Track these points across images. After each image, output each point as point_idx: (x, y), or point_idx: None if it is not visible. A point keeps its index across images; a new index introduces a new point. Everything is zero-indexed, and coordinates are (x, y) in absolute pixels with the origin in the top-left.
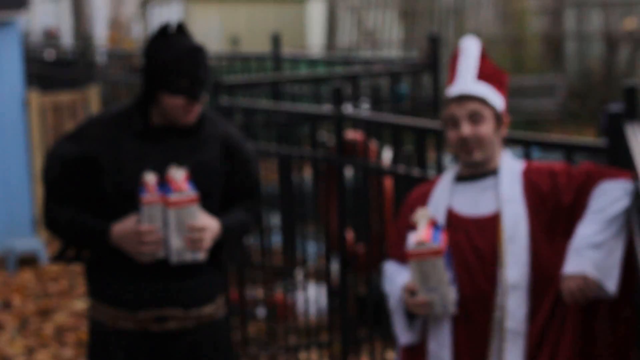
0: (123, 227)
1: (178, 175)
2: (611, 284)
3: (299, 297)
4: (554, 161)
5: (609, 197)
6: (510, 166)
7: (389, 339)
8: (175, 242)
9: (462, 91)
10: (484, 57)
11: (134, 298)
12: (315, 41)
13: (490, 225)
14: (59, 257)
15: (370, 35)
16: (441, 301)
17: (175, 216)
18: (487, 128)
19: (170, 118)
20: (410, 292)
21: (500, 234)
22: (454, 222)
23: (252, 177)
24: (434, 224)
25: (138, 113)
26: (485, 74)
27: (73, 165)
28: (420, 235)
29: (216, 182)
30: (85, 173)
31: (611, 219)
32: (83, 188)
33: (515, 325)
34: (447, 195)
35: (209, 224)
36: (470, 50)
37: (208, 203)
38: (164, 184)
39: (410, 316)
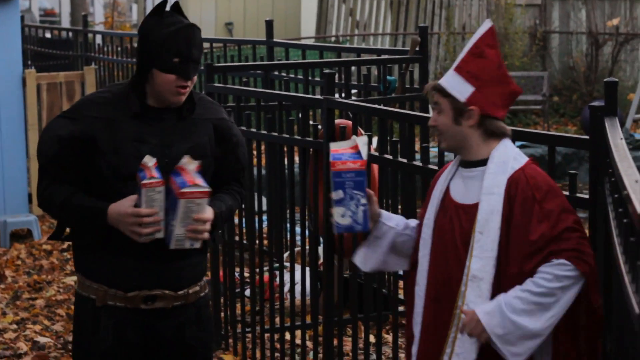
0: (121, 208)
1: (191, 166)
2: (509, 353)
3: (285, 279)
4: (550, 185)
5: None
6: (503, 159)
7: (373, 322)
8: (179, 230)
9: (433, 82)
10: (480, 45)
11: (124, 279)
12: (309, 31)
13: (471, 214)
14: (54, 236)
15: (361, 25)
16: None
17: (185, 206)
18: (442, 119)
19: (162, 98)
20: None
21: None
22: (446, 205)
23: (240, 161)
24: (355, 150)
25: (134, 94)
26: (466, 63)
27: (70, 144)
28: (334, 146)
29: (208, 166)
30: (82, 152)
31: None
32: (79, 167)
33: None
34: (448, 177)
35: (211, 216)
36: (473, 38)
37: None
38: (175, 172)
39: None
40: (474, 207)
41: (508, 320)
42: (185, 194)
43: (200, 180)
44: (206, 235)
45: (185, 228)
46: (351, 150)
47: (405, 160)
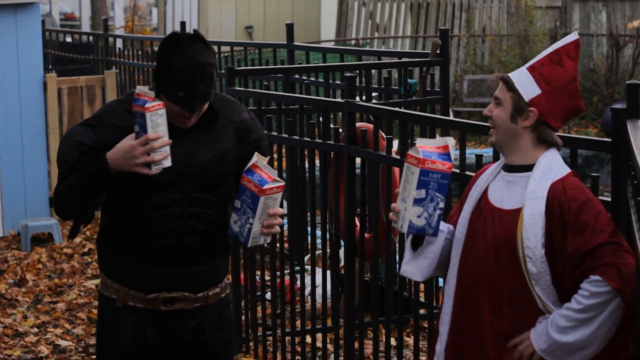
0: (122, 145)
1: (263, 162)
2: None
3: (306, 282)
4: (587, 197)
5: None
6: (549, 166)
7: (394, 325)
8: (256, 227)
9: (502, 74)
10: (561, 53)
11: (144, 282)
12: (329, 34)
13: (506, 220)
14: (72, 234)
15: (380, 28)
16: (403, 214)
17: (264, 203)
18: (500, 112)
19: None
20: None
21: (518, 227)
22: (482, 206)
23: (264, 155)
24: (445, 150)
25: None
26: (542, 65)
27: (90, 152)
28: (422, 143)
29: (231, 172)
30: None
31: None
32: None
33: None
34: (489, 179)
35: (284, 210)
36: (556, 44)
37: (222, 193)
38: (249, 171)
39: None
40: (510, 214)
41: (552, 338)
42: (266, 190)
43: (276, 175)
44: (278, 229)
45: (261, 224)
46: (440, 150)
47: None
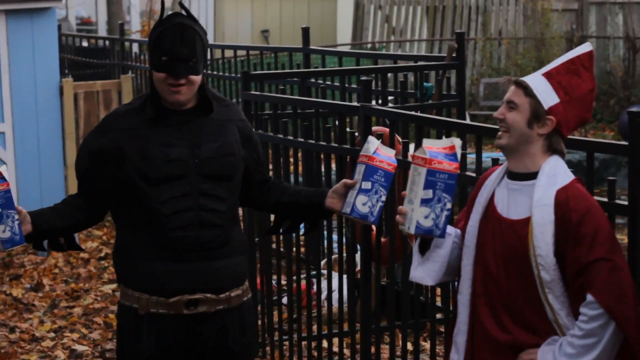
0: None
1: (380, 143)
2: None
3: (323, 287)
4: (589, 207)
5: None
6: (554, 172)
7: (410, 329)
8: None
9: (517, 78)
10: (577, 63)
11: (165, 283)
12: (345, 37)
13: (512, 230)
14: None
15: (397, 31)
16: (410, 215)
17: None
18: (516, 116)
19: (164, 99)
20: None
21: (529, 236)
22: (489, 214)
23: (262, 160)
24: (451, 150)
25: (150, 100)
26: (559, 73)
27: (99, 158)
28: (428, 144)
29: (239, 166)
30: (111, 164)
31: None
32: (109, 178)
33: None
34: (494, 185)
35: None
36: (571, 53)
37: (232, 186)
38: (377, 153)
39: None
40: (517, 224)
41: None
42: (396, 167)
43: (391, 150)
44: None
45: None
46: (447, 150)
47: None
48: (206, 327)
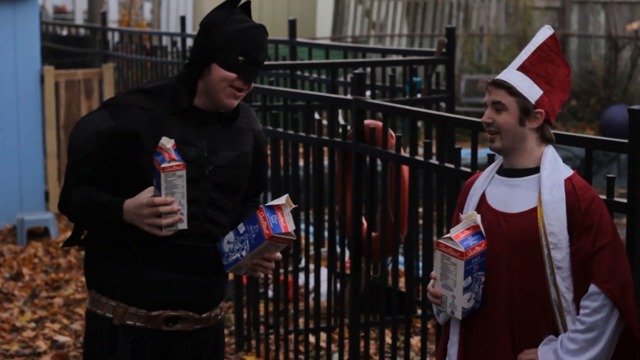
0: (137, 200)
1: (289, 210)
2: None
3: (310, 280)
4: (594, 197)
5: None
6: (555, 158)
7: (398, 325)
8: (246, 260)
9: (494, 78)
10: (545, 50)
11: (148, 292)
12: (324, 31)
13: (513, 224)
14: (70, 242)
15: (377, 26)
16: (451, 301)
17: (266, 246)
18: (506, 118)
19: (214, 98)
20: (433, 279)
21: (539, 217)
22: (483, 212)
23: (264, 177)
24: (475, 230)
25: (184, 89)
26: (533, 65)
27: (109, 141)
28: (454, 232)
29: (247, 178)
30: (122, 149)
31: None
32: (115, 165)
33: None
34: (484, 185)
35: (280, 256)
36: (535, 41)
37: (237, 199)
38: (270, 209)
39: None
40: (517, 217)
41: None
42: (274, 237)
43: (292, 226)
44: (262, 275)
45: (252, 261)
46: (471, 231)
47: (437, 162)
48: (182, 343)
